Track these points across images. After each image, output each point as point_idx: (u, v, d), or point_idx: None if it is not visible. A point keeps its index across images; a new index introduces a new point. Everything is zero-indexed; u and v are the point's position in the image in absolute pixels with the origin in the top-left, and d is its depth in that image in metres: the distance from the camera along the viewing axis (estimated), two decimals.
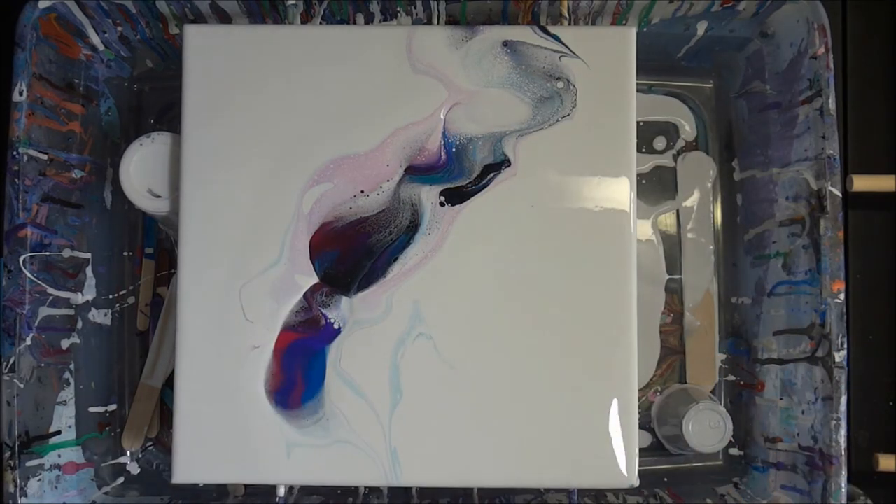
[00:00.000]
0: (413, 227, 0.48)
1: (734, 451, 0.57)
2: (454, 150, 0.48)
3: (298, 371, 0.47)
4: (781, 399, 0.53)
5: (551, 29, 0.48)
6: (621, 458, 0.46)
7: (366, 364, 0.47)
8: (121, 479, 0.56)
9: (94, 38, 0.54)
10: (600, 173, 0.48)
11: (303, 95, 0.48)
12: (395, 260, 0.48)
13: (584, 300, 0.47)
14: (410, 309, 0.47)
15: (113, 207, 0.57)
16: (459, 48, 0.48)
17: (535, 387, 0.47)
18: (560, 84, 0.48)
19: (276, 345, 0.47)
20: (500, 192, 0.48)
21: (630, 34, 0.48)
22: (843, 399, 0.49)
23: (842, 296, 0.49)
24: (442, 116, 0.48)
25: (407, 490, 0.54)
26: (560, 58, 0.48)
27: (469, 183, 0.48)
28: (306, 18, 0.54)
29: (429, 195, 0.48)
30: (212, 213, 0.48)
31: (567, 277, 0.47)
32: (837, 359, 0.49)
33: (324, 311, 0.48)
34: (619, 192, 0.48)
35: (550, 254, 0.48)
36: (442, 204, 0.48)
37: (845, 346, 0.49)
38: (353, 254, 0.48)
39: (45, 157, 0.51)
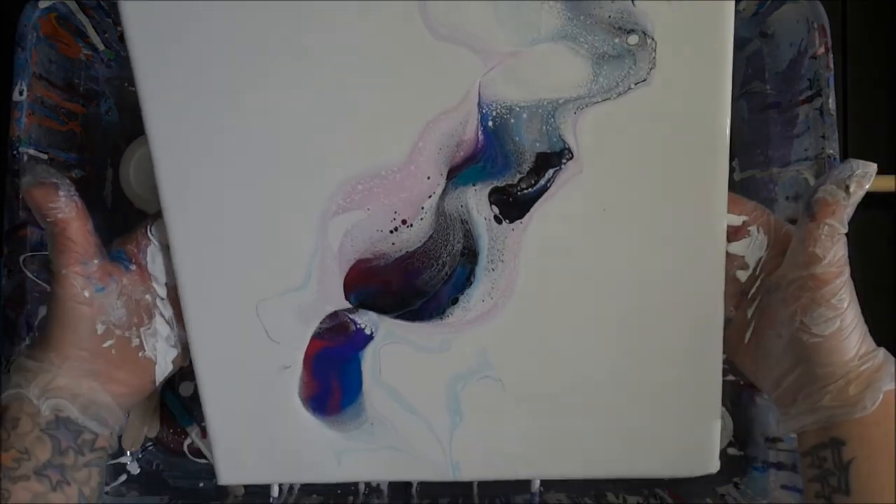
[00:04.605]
0: (469, 255, 0.38)
1: (734, 451, 0.57)
2: (490, 123, 0.36)
3: (333, 378, 0.42)
4: None
5: None
6: (708, 447, 0.43)
7: (415, 383, 0.42)
8: (121, 479, 0.56)
9: (95, 38, 0.54)
10: (687, 166, 0.37)
11: (300, 93, 0.37)
12: (456, 302, 0.39)
13: (671, 333, 0.40)
14: (477, 355, 0.40)
15: (113, 207, 0.57)
16: None
17: (615, 397, 0.42)
18: (633, 39, 0.35)
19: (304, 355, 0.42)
20: (566, 197, 0.37)
21: None
22: None
23: None
24: (478, 93, 0.36)
25: (407, 489, 0.54)
26: (634, 1, 0.35)
27: (521, 179, 0.37)
28: None
29: (478, 204, 0.37)
30: (203, 227, 0.39)
31: (650, 304, 0.39)
32: None
33: (351, 316, 0.41)
34: (709, 188, 0.37)
35: (631, 274, 0.38)
36: (498, 220, 0.37)
37: None
38: (400, 292, 0.40)
39: (45, 156, 0.51)
